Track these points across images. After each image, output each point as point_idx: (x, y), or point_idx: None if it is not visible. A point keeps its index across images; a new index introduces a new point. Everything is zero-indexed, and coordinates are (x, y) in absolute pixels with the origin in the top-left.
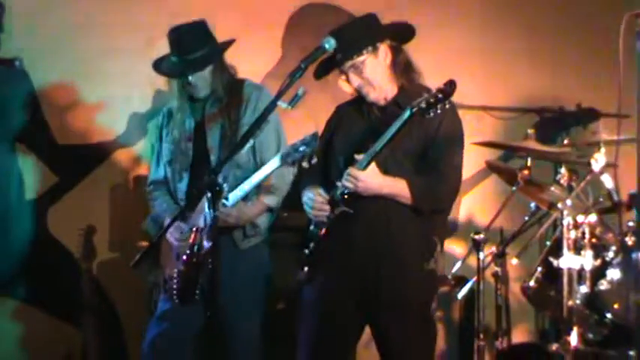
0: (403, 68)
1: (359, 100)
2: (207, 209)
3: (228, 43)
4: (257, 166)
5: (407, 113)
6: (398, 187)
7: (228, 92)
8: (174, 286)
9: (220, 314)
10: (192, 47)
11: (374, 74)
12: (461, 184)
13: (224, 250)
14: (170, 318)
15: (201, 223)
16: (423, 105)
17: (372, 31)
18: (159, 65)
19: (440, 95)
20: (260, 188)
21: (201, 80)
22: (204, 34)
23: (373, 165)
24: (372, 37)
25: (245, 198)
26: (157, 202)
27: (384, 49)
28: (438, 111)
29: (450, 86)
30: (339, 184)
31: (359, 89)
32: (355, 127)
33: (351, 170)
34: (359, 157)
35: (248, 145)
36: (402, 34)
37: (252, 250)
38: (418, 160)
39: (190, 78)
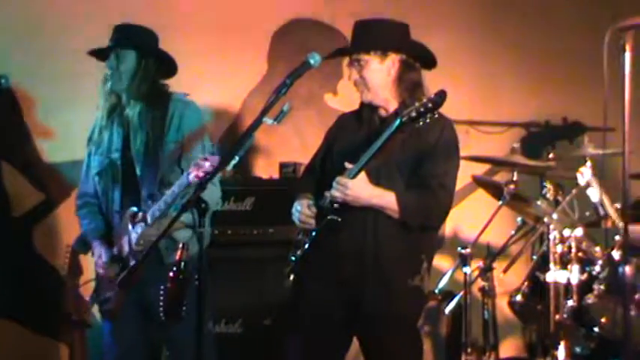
0: (409, 86)
1: (360, 111)
2: (130, 229)
3: (166, 54)
4: None
5: (396, 122)
6: (386, 200)
7: (151, 103)
8: (110, 308)
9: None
10: (126, 35)
11: (372, 77)
12: (452, 203)
13: (152, 264)
14: (118, 342)
15: (125, 246)
16: (413, 114)
17: (391, 39)
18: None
19: (430, 105)
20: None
21: (116, 71)
22: (146, 35)
23: (363, 174)
24: (386, 44)
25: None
26: (85, 220)
27: (392, 59)
28: (427, 120)
29: (440, 96)
30: (327, 193)
31: (355, 84)
32: (354, 136)
33: (340, 179)
34: (349, 165)
35: (233, 162)
36: (418, 55)
37: None
38: (411, 174)
39: (108, 62)
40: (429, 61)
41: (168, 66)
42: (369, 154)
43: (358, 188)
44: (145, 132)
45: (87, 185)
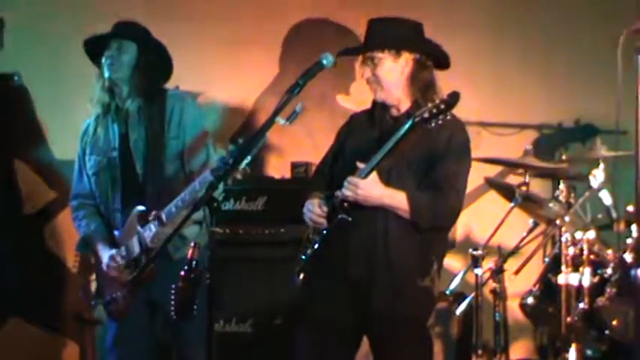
0: (422, 86)
1: (372, 110)
2: (140, 229)
3: (161, 46)
4: (186, 175)
5: (408, 123)
6: (397, 200)
7: (149, 99)
8: (119, 308)
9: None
10: (127, 26)
11: (385, 76)
12: (462, 205)
13: (159, 262)
14: (122, 342)
15: (135, 246)
16: (426, 115)
17: (404, 38)
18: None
19: (442, 106)
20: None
21: (117, 60)
22: (143, 29)
23: (374, 174)
24: (400, 42)
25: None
26: (83, 222)
27: (406, 58)
28: (440, 122)
29: (453, 97)
30: (338, 193)
31: (368, 82)
32: (366, 135)
33: (351, 179)
34: (361, 165)
35: (245, 162)
36: (433, 55)
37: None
38: (422, 174)
39: (108, 50)
40: (443, 61)
41: (165, 66)
42: (380, 154)
43: (369, 188)
44: (144, 128)
45: (81, 185)
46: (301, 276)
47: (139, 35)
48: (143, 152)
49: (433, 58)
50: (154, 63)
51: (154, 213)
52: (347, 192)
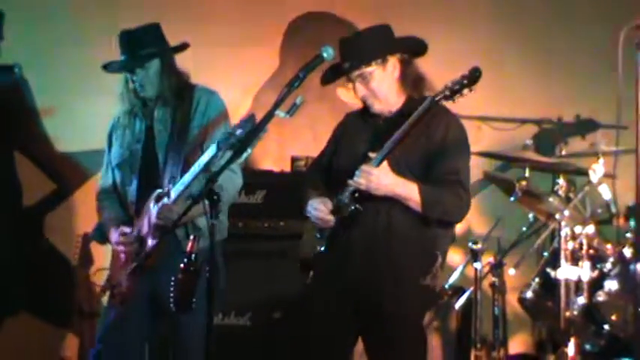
0: (412, 81)
1: (366, 110)
2: (151, 207)
3: (180, 47)
4: None
5: (427, 102)
6: (409, 189)
7: (178, 95)
8: (121, 291)
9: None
10: (140, 44)
11: (380, 86)
12: (470, 199)
13: (169, 252)
14: (118, 327)
15: (145, 224)
16: (448, 93)
17: (383, 43)
18: (108, 66)
19: (465, 81)
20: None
21: (147, 79)
22: (154, 35)
23: (385, 163)
24: (382, 49)
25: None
26: (105, 212)
27: (393, 62)
28: (463, 94)
29: (475, 72)
30: (350, 181)
31: (364, 99)
32: (359, 136)
33: (364, 167)
34: (373, 154)
35: (245, 155)
36: (413, 48)
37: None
38: (421, 174)
39: (136, 76)
40: (421, 49)
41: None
42: (394, 139)
43: (382, 175)
44: (171, 120)
45: (105, 180)
46: (311, 274)
47: (156, 45)
48: (166, 141)
49: (412, 50)
50: (173, 58)
51: (165, 189)
52: (360, 180)
